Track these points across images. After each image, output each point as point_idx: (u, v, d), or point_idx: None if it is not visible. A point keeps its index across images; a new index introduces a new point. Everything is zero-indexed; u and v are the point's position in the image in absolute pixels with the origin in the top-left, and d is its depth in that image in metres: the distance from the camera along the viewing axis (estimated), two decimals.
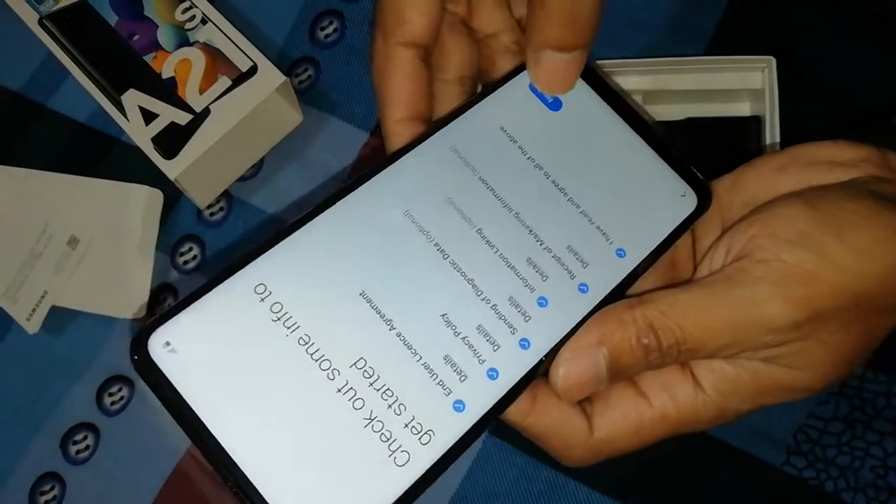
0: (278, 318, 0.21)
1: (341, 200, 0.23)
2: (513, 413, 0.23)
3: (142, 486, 0.36)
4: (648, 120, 0.27)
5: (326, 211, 0.23)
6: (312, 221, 0.23)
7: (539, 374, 0.23)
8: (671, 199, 0.26)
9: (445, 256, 0.23)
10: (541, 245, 0.24)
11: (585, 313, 0.23)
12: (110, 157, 0.40)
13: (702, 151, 0.35)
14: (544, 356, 0.23)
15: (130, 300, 0.38)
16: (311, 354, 0.21)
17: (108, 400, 0.38)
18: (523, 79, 0.27)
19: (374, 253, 0.23)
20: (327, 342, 0.21)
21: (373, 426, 0.21)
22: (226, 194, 0.39)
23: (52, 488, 0.37)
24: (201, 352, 0.21)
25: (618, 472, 0.34)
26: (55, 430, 0.37)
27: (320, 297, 0.22)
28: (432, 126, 0.26)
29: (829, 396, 0.33)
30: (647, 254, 0.24)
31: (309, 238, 0.23)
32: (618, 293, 0.24)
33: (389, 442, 0.21)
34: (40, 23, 0.38)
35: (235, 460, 0.20)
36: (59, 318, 0.38)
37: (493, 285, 0.23)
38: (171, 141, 0.36)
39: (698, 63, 0.35)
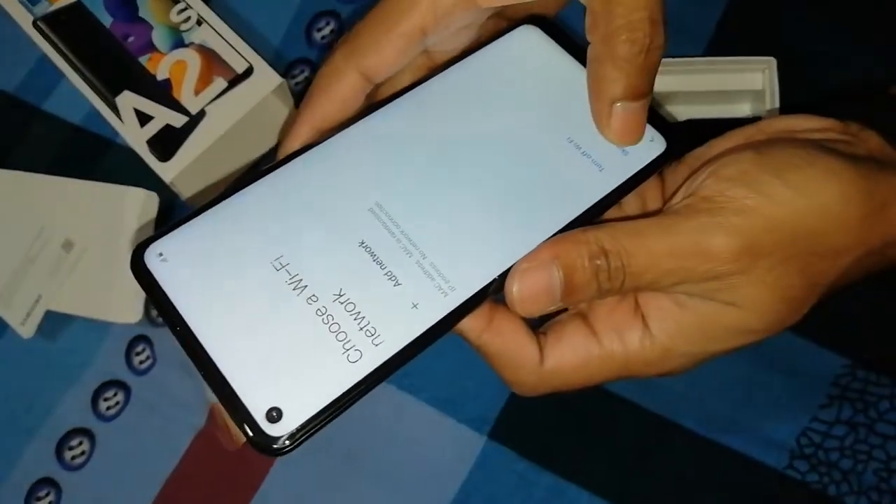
0: (254, 239, 0.25)
1: (324, 142, 0.26)
2: (468, 328, 0.25)
3: (138, 492, 0.36)
4: None
5: (307, 152, 0.26)
6: (292, 162, 0.26)
7: (493, 291, 0.24)
8: (640, 143, 0.26)
9: (421, 181, 0.26)
10: (502, 181, 0.26)
11: (544, 238, 0.25)
12: (105, 160, 0.40)
13: None
14: (498, 275, 0.24)
15: (126, 305, 0.37)
16: (280, 266, 0.24)
17: (103, 405, 0.37)
18: (496, 46, 0.28)
19: (350, 184, 0.26)
20: (298, 258, 0.24)
21: (330, 327, 0.23)
22: None
23: (47, 494, 0.36)
24: (188, 262, 0.24)
25: (618, 478, 0.34)
26: (50, 435, 0.37)
27: (292, 221, 0.25)
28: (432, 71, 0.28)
29: (831, 400, 0.33)
30: (611, 189, 0.26)
31: (286, 175, 0.26)
32: (578, 226, 0.25)
33: (345, 341, 0.23)
34: (34, 24, 0.38)
35: (206, 349, 0.23)
36: (53, 323, 0.38)
37: (458, 209, 0.25)
38: (167, 143, 0.36)
39: (698, 64, 0.35)
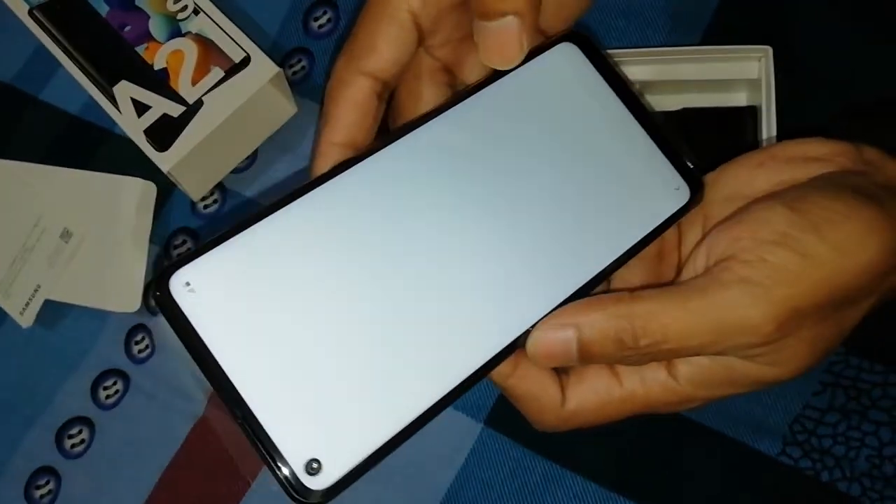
0: (290, 271, 0.23)
1: (358, 164, 0.25)
2: (496, 374, 0.25)
3: (137, 480, 0.36)
4: (652, 112, 0.28)
5: (339, 176, 0.25)
6: (323, 187, 0.24)
7: (521, 344, 0.24)
8: (665, 191, 0.27)
9: (455, 220, 0.25)
10: (533, 226, 0.25)
11: (568, 294, 0.25)
12: (103, 150, 0.40)
13: (698, 142, 0.35)
14: (528, 328, 0.24)
15: (124, 294, 0.38)
16: (316, 303, 0.23)
17: (102, 394, 0.38)
18: (532, 66, 0.27)
19: (387, 215, 0.24)
20: (333, 296, 0.23)
21: (370, 373, 0.23)
22: (220, 186, 0.39)
23: (47, 482, 0.37)
24: (218, 293, 0.22)
25: (614, 464, 0.34)
26: (50, 424, 0.37)
27: (325, 254, 0.24)
28: (457, 95, 0.27)
29: (824, 387, 0.33)
30: (635, 242, 0.26)
31: (317, 203, 0.24)
32: (602, 278, 0.25)
33: (385, 389, 0.23)
34: (30, 14, 0.38)
35: (242, 395, 0.22)
36: (53, 312, 0.38)
37: (490, 256, 0.25)
38: (164, 133, 0.36)
39: (695, 53, 0.35)
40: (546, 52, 0.27)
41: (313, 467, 0.21)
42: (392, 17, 0.27)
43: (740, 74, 0.35)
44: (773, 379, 0.25)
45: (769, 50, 0.33)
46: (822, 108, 0.35)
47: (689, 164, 0.27)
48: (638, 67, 0.35)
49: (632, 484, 0.34)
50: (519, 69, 0.27)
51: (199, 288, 0.22)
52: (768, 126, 0.33)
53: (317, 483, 0.21)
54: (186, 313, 0.22)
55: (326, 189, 0.24)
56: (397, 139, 0.25)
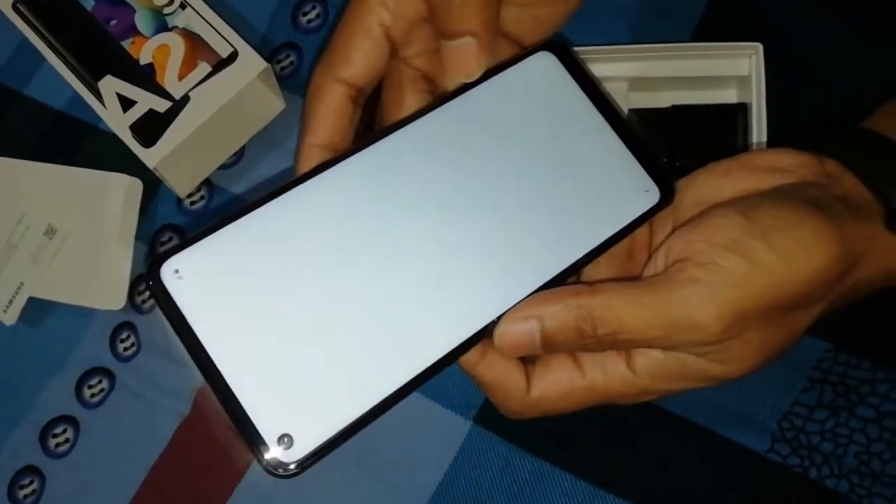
0: (272, 260, 0.25)
1: (337, 164, 0.26)
2: (464, 360, 0.26)
3: (123, 479, 0.36)
4: (623, 114, 0.29)
5: (321, 174, 0.26)
6: (306, 184, 0.26)
7: (488, 334, 0.26)
8: (635, 192, 0.28)
9: (429, 216, 0.26)
10: (504, 222, 0.26)
11: (535, 288, 0.26)
12: (88, 145, 0.40)
13: (688, 139, 0.35)
14: (495, 318, 0.25)
15: (110, 291, 0.37)
16: (296, 290, 0.25)
17: (87, 392, 0.37)
18: (509, 74, 0.29)
19: (364, 209, 0.26)
20: (311, 283, 0.25)
21: (343, 355, 0.24)
22: (207, 183, 0.39)
23: (31, 482, 0.36)
24: (203, 280, 0.24)
25: (603, 462, 0.34)
26: (34, 422, 0.37)
27: (308, 245, 0.25)
28: (443, 96, 0.28)
29: (812, 384, 0.34)
30: (602, 240, 0.27)
31: (300, 199, 0.26)
32: (568, 274, 0.26)
33: (356, 370, 0.24)
34: (14, 7, 0.37)
35: (221, 372, 0.23)
36: (36, 310, 0.38)
37: (463, 250, 0.26)
38: (150, 128, 0.35)
39: (685, 49, 0.35)
40: (523, 60, 0.29)
41: (284, 442, 0.23)
42: (366, 30, 0.29)
43: (731, 71, 0.35)
44: (722, 376, 0.26)
45: (759, 47, 0.33)
46: (813, 105, 0.35)
47: (660, 167, 0.28)
48: (628, 64, 0.35)
49: (620, 481, 0.34)
50: (496, 76, 0.28)
51: (187, 275, 0.24)
52: (758, 123, 0.33)
53: (288, 456, 0.23)
54: (174, 297, 0.24)
55: (307, 186, 0.26)
56: (375, 140, 0.27)
